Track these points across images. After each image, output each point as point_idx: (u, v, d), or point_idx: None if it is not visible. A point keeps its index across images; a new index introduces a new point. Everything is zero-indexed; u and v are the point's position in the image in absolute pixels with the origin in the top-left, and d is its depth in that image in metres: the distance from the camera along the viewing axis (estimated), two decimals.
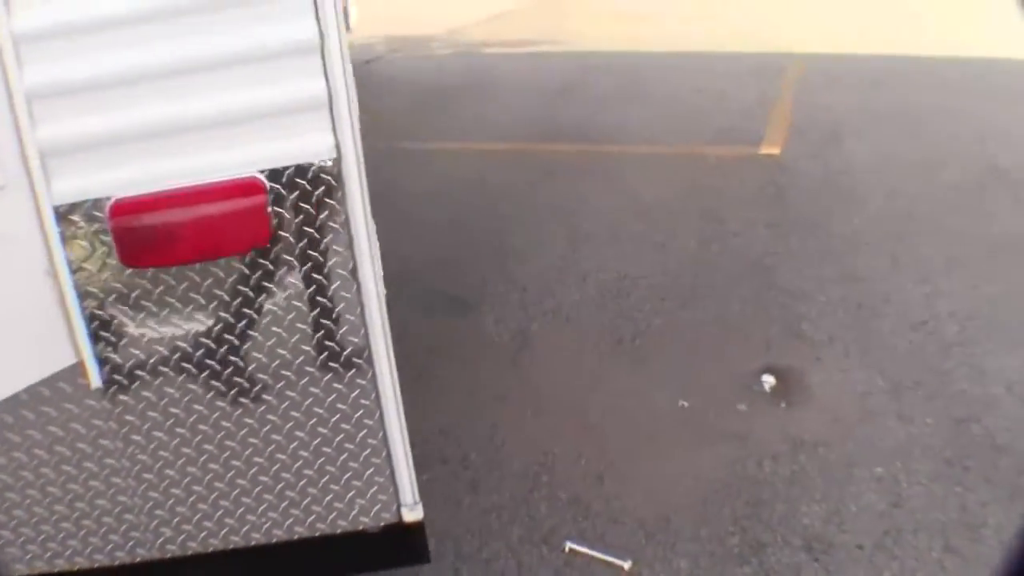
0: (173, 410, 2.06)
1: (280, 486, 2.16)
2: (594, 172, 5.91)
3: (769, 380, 3.66)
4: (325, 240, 1.95)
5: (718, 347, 3.92)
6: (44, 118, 1.79)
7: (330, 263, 1.97)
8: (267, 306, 1.99)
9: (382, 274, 2.13)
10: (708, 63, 8.09)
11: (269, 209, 1.89)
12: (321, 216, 1.93)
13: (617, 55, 8.68)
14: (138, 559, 2.20)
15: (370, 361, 2.06)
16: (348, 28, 6.35)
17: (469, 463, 3.36)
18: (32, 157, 1.80)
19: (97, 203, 1.87)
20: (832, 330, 3.91)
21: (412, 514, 2.22)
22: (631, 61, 8.44)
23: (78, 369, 1.99)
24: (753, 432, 3.38)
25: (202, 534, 2.19)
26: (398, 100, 7.95)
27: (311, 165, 1.88)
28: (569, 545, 2.93)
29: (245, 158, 1.86)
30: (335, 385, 2.08)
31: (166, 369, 2.02)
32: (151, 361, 2.01)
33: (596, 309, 4.30)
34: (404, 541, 2.25)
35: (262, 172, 1.88)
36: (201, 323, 1.98)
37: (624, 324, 4.15)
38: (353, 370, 2.06)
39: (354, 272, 1.98)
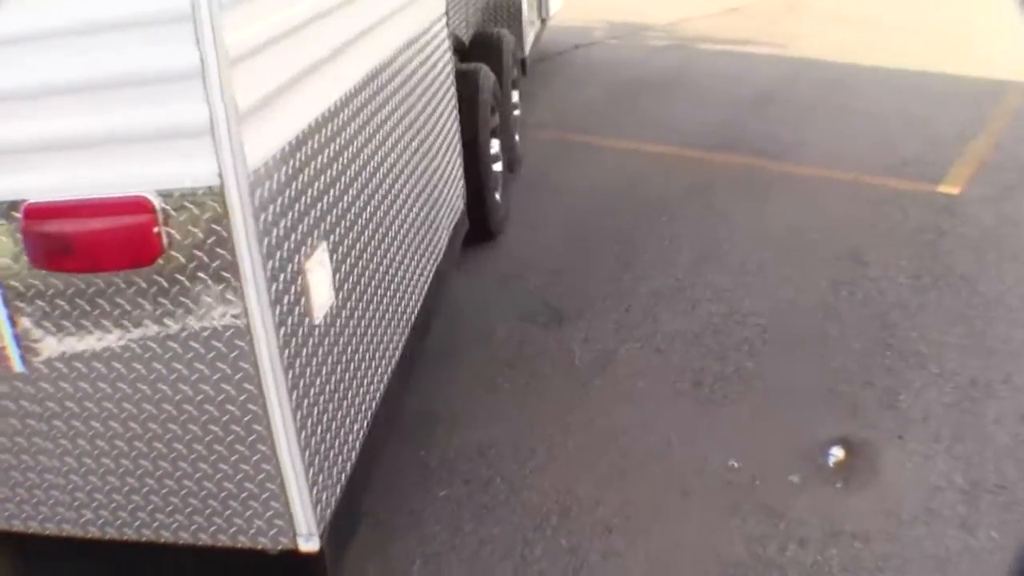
0: (87, 404, 2.15)
1: (184, 492, 2.21)
2: (753, 190, 5.56)
3: (837, 453, 3.31)
4: (213, 265, 1.94)
5: (799, 405, 3.59)
6: None
7: (219, 288, 1.96)
8: (164, 320, 2.02)
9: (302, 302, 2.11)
10: (920, 82, 7.34)
11: (158, 229, 1.91)
12: (209, 241, 1.92)
13: (825, 64, 8.07)
14: (64, 533, 2.33)
15: (260, 387, 2.04)
16: (547, 15, 6.30)
17: (490, 487, 3.28)
18: None
19: (14, 204, 1.96)
20: (931, 407, 3.47)
21: (308, 544, 2.20)
22: (838, 72, 7.82)
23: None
24: (792, 509, 3.07)
25: (118, 521, 2.29)
26: (592, 90, 7.83)
27: (198, 189, 1.88)
28: None
29: (139, 177, 1.90)
30: (228, 407, 2.08)
31: (79, 365, 2.11)
32: (66, 355, 2.10)
33: (690, 343, 4.05)
34: (301, 569, 2.23)
35: (159, 193, 1.90)
36: (106, 328, 2.05)
37: (712, 364, 3.88)
38: (244, 395, 2.06)
39: (242, 297, 1.96)
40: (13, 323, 2.08)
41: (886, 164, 5.74)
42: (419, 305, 3.23)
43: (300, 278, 2.14)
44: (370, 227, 2.66)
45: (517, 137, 6.07)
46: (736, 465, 3.30)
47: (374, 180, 2.71)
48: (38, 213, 1.94)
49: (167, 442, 2.15)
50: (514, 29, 6.39)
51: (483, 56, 5.43)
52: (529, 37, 6.88)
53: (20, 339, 2.09)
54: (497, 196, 5.03)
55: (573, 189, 5.84)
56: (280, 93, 2.02)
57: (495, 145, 5.06)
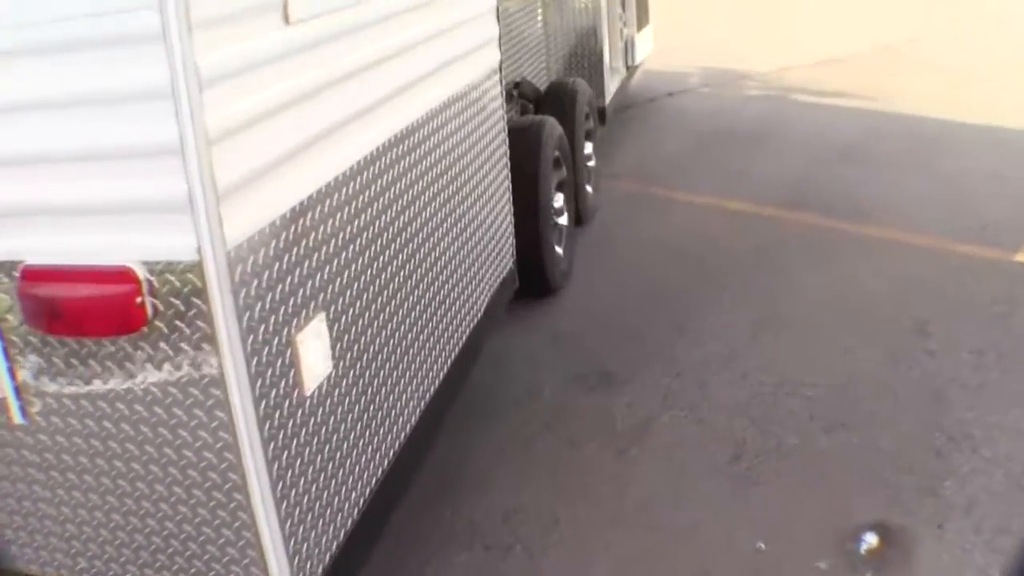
0: (81, 459, 2.21)
1: (170, 550, 2.25)
2: (823, 252, 5.40)
3: (870, 540, 3.16)
4: (195, 337, 1.98)
5: (838, 487, 3.44)
6: None
7: (200, 358, 1.99)
8: (150, 385, 2.06)
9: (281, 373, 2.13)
10: (1013, 140, 7.02)
11: (141, 299, 1.95)
12: (190, 313, 1.96)
13: (918, 119, 7.77)
14: (63, 574, 2.40)
15: (240, 458, 2.06)
16: (633, 62, 6.29)
17: (509, 555, 3.25)
18: None
19: (14, 264, 2.04)
20: (977, 495, 3.28)
21: None
22: (928, 127, 7.54)
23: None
24: None
25: (110, 572, 2.34)
26: (676, 140, 7.75)
27: (179, 263, 1.92)
28: None
29: (126, 247, 1.95)
30: (210, 474, 2.11)
31: (73, 421, 2.17)
32: (61, 411, 2.17)
33: (735, 413, 3.94)
34: None
35: (144, 263, 1.95)
36: (96, 388, 2.11)
37: (753, 438, 3.76)
38: (225, 464, 2.08)
39: (221, 369, 1.99)
40: (13, 376, 2.16)
41: (964, 228, 5.50)
42: (445, 370, 3.22)
43: (289, 350, 2.16)
44: (384, 295, 2.67)
45: (590, 189, 6.04)
46: (763, 547, 3.18)
47: (392, 247, 2.72)
48: (32, 276, 2.01)
49: (154, 501, 2.20)
50: (595, 78, 6.39)
51: (555, 106, 5.44)
52: (611, 86, 6.86)
53: (20, 392, 2.17)
54: (559, 250, 5.00)
55: (642, 244, 5.77)
56: (268, 169, 2.04)
57: (559, 199, 5.03)
